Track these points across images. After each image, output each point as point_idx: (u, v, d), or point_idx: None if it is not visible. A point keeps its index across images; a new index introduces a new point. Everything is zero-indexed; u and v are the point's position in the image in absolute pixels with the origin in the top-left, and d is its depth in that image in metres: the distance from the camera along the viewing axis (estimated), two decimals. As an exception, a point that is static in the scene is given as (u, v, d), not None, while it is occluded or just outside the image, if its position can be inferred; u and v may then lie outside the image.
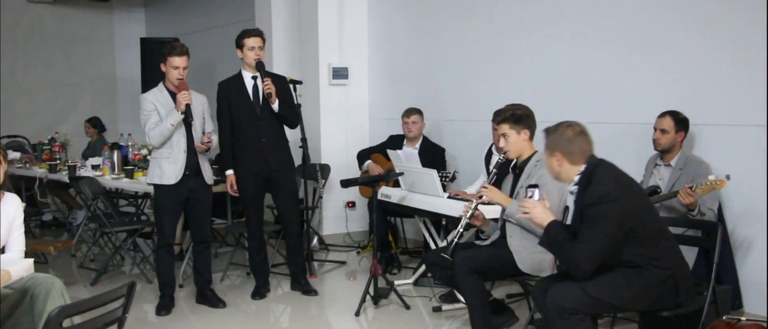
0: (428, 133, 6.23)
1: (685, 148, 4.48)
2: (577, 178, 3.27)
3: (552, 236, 3.24)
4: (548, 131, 3.38)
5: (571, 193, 3.31)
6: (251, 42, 4.96)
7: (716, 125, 4.50)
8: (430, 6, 6.68)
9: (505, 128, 3.98)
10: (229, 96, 5.07)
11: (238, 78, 5.10)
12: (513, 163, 4.12)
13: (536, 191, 3.40)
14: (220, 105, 5.11)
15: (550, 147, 3.34)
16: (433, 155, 5.87)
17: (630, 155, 4.81)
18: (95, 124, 8.26)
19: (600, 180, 3.17)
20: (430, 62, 6.71)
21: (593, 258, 3.11)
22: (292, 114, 5.16)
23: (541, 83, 5.58)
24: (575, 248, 3.15)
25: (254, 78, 5.04)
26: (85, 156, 7.63)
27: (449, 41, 6.50)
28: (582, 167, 3.26)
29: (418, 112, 6.03)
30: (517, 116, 3.97)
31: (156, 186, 4.81)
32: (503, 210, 4.02)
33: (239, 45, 5.02)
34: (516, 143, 3.98)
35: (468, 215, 4.02)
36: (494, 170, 4.07)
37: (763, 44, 4.24)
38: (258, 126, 5.00)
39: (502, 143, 4.00)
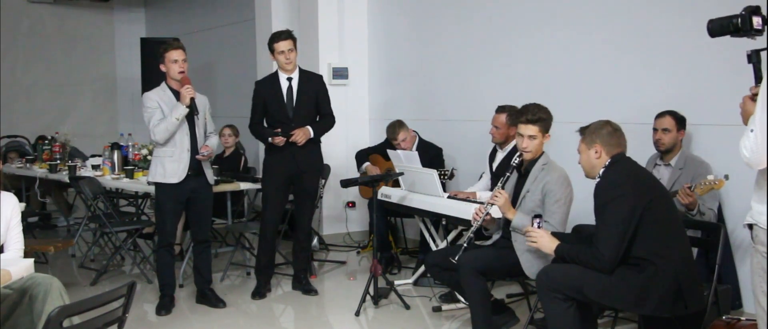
0: (427, 133, 6.23)
1: (684, 147, 4.48)
2: (601, 171, 3.42)
3: (565, 255, 3.41)
4: (584, 129, 3.53)
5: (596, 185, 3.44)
6: (281, 46, 4.99)
7: (716, 125, 4.50)
8: (430, 6, 6.68)
9: (533, 129, 3.91)
10: (265, 96, 5.10)
11: (274, 78, 5.13)
12: (519, 162, 4.09)
13: (539, 220, 3.59)
14: (256, 103, 5.16)
15: (590, 141, 3.45)
16: (429, 155, 5.85)
17: (629, 155, 4.81)
18: None
19: (610, 172, 3.37)
20: (430, 62, 6.71)
21: (613, 246, 3.22)
22: (326, 126, 5.22)
23: (540, 83, 5.57)
24: (594, 245, 3.27)
25: (289, 79, 5.07)
26: None
27: (449, 41, 6.50)
28: (607, 161, 3.41)
29: (401, 125, 5.95)
30: (545, 119, 3.94)
31: (158, 185, 4.80)
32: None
33: (270, 49, 5.06)
34: (539, 145, 3.95)
35: (479, 221, 3.99)
36: (508, 175, 4.02)
37: (763, 44, 4.23)
38: (290, 128, 5.00)
39: (525, 144, 3.93)
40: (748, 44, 4.42)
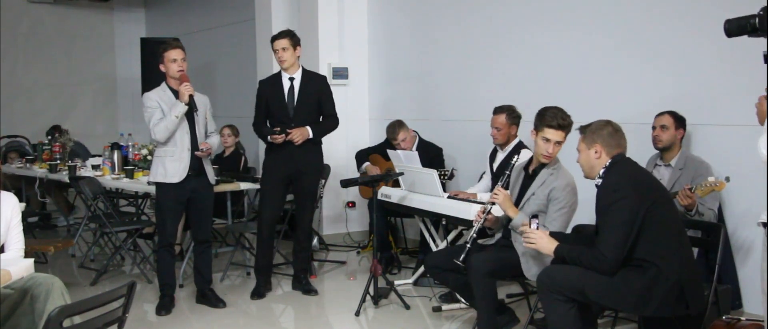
0: (427, 133, 6.23)
1: (684, 148, 4.48)
2: (601, 171, 3.42)
3: (566, 256, 3.39)
4: (585, 128, 3.52)
5: (597, 186, 3.44)
6: (275, 45, 5.04)
7: (716, 125, 4.50)
8: (430, 6, 6.69)
9: (562, 135, 3.83)
10: (267, 95, 5.13)
11: (277, 78, 5.15)
12: (526, 163, 4.06)
13: (536, 221, 3.56)
14: (259, 102, 5.19)
15: (591, 141, 3.44)
16: (429, 155, 5.85)
17: (629, 155, 4.81)
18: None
19: (612, 174, 3.36)
20: (430, 62, 6.72)
21: (617, 248, 3.22)
22: (328, 128, 5.21)
23: (540, 83, 5.58)
24: (597, 246, 3.27)
25: (291, 79, 5.09)
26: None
27: (449, 41, 6.51)
28: (607, 162, 3.41)
29: (401, 125, 5.95)
30: (571, 124, 3.86)
31: (158, 185, 4.80)
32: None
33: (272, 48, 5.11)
34: (559, 151, 3.89)
35: (481, 221, 3.97)
36: (507, 173, 4.00)
37: (763, 43, 4.23)
38: (290, 127, 5.00)
39: (552, 150, 3.83)
40: (748, 44, 4.41)
